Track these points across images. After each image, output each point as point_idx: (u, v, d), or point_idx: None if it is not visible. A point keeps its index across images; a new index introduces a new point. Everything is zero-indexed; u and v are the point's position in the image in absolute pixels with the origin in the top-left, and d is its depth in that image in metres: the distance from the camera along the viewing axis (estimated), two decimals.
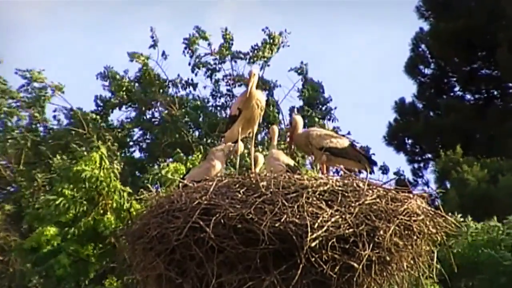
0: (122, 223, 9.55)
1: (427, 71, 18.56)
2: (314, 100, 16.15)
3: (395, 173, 16.99)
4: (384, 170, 16.32)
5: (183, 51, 16.15)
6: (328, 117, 16.17)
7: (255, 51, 16.01)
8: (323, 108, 16.29)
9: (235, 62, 16.19)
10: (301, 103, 16.29)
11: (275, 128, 7.45)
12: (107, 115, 16.19)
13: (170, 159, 12.26)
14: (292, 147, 7.16)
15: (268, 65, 16.12)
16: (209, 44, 16.16)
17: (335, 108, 16.30)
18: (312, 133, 7.00)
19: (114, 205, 10.23)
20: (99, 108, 16.20)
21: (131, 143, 16.44)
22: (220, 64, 16.18)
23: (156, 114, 16.51)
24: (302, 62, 16.18)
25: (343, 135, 7.26)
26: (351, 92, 22.02)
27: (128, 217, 7.52)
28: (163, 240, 5.88)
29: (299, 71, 16.28)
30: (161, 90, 16.15)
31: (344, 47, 23.75)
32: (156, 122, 16.40)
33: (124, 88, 15.93)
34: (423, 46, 18.48)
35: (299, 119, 7.20)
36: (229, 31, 16.20)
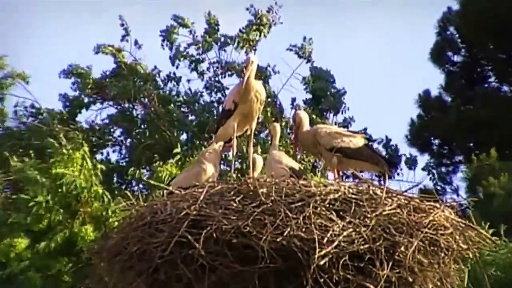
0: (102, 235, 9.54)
1: (457, 58, 18.50)
2: (323, 92, 16.06)
3: (423, 169, 17.02)
4: (412, 162, 16.28)
5: (161, 44, 16.18)
6: (332, 112, 16.09)
7: (240, 35, 15.94)
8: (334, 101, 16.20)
9: (224, 50, 16.13)
10: (305, 95, 16.27)
11: (277, 126, 7.44)
12: (75, 115, 16.23)
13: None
14: (297, 148, 7.14)
15: (255, 49, 16.02)
16: (191, 32, 16.15)
17: (344, 92, 16.15)
18: (320, 131, 6.98)
19: (94, 213, 10.21)
20: (66, 109, 16.24)
21: (107, 145, 16.44)
22: (204, 53, 16.13)
23: (135, 112, 16.49)
24: (305, 38, 15.98)
25: (357, 132, 7.22)
26: (364, 83, 21.93)
27: (104, 230, 7.49)
28: (145, 258, 5.84)
29: (300, 51, 16.13)
30: (138, 85, 16.12)
31: (354, 30, 23.57)
32: (139, 121, 16.40)
33: (91, 85, 15.93)
34: (451, 29, 18.42)
35: (303, 115, 7.19)
36: (214, 14, 16.16)
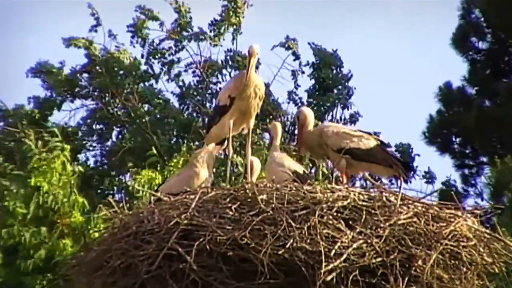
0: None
1: (482, 45, 18.52)
2: (330, 80, 16.13)
3: (444, 183, 17.02)
4: (430, 178, 16.33)
5: (131, 41, 16.30)
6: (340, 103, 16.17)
7: (214, 26, 16.05)
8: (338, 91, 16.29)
9: (198, 45, 16.22)
10: (308, 82, 16.37)
11: (278, 125, 7.48)
12: (46, 116, 16.26)
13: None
14: (302, 149, 7.21)
15: (241, 33, 16.06)
16: (161, 25, 16.22)
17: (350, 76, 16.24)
18: (326, 131, 7.04)
19: (74, 225, 10.25)
20: (36, 111, 16.28)
21: (82, 150, 16.46)
22: (177, 52, 16.18)
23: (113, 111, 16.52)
24: (288, 37, 16.19)
25: (369, 133, 7.29)
26: (375, 74, 21.94)
27: (84, 241, 7.54)
28: (129, 272, 5.89)
29: (286, 45, 16.27)
30: (118, 80, 16.17)
31: (366, 16, 23.56)
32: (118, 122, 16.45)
33: (62, 83, 15.95)
34: (476, 11, 18.44)
35: (308, 112, 7.24)
36: (183, 1, 16.25)
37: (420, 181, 16.47)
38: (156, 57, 16.30)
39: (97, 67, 16.16)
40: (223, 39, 16.24)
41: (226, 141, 7.20)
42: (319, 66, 16.40)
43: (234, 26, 16.16)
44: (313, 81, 16.49)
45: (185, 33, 16.20)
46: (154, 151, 12.12)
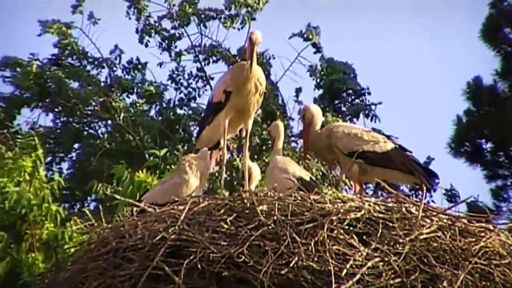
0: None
1: None
2: (342, 85, 16.14)
3: (469, 204, 16.94)
4: (452, 197, 16.29)
5: (127, 12, 16.23)
6: (365, 112, 16.17)
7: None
8: (354, 99, 16.31)
9: (204, 26, 16.21)
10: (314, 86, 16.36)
11: (280, 125, 7.48)
12: (13, 117, 16.31)
13: None
14: (307, 152, 7.20)
15: (254, 19, 16.08)
16: (166, 0, 16.25)
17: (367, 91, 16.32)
18: (336, 131, 7.06)
19: (45, 237, 10.23)
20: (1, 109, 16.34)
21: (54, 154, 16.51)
22: (182, 27, 16.18)
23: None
24: (309, 25, 16.17)
25: (387, 136, 7.28)
26: (389, 67, 21.88)
27: (56, 258, 7.54)
28: None
29: (305, 35, 16.26)
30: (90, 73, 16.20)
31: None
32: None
33: (33, 76, 16.00)
34: None
35: (315, 110, 7.25)
36: None
37: (441, 199, 16.42)
38: (152, 34, 16.22)
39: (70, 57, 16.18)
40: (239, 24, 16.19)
41: (221, 144, 7.16)
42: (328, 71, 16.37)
43: (249, 8, 16.12)
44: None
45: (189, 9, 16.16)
46: (157, 152, 12.08)
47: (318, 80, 16.24)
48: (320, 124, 7.21)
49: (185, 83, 16.48)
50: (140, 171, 10.57)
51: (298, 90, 16.25)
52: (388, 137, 7.29)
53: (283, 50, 16.15)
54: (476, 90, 17.89)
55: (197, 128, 7.39)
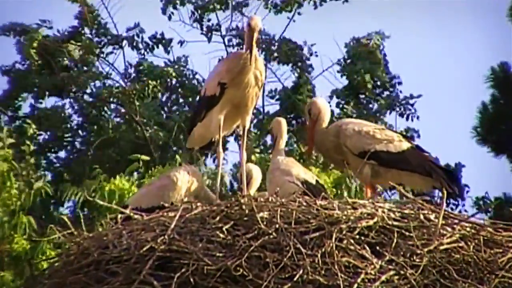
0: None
1: None
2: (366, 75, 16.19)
3: (496, 213, 17.01)
4: (481, 204, 16.37)
5: None
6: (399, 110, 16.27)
7: None
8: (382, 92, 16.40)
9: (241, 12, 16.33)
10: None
11: (282, 121, 7.48)
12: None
13: None
14: (313, 151, 7.23)
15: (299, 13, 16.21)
16: None
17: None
18: (345, 129, 7.04)
19: (15, 252, 10.24)
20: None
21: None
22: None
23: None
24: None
25: (402, 134, 7.27)
26: (408, 49, 21.96)
27: (30, 272, 7.54)
28: None
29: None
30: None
31: None
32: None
33: (36, 45, 16.00)
34: None
35: (322, 104, 7.23)
36: None
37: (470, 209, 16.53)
38: (177, 4, 16.22)
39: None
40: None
41: (215, 143, 7.16)
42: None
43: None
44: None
45: None
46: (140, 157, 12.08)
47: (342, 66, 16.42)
48: (327, 121, 7.20)
49: None
50: (118, 177, 10.61)
51: (334, 92, 16.36)
52: (404, 135, 7.31)
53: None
54: (502, 76, 17.95)
55: (188, 125, 7.32)
